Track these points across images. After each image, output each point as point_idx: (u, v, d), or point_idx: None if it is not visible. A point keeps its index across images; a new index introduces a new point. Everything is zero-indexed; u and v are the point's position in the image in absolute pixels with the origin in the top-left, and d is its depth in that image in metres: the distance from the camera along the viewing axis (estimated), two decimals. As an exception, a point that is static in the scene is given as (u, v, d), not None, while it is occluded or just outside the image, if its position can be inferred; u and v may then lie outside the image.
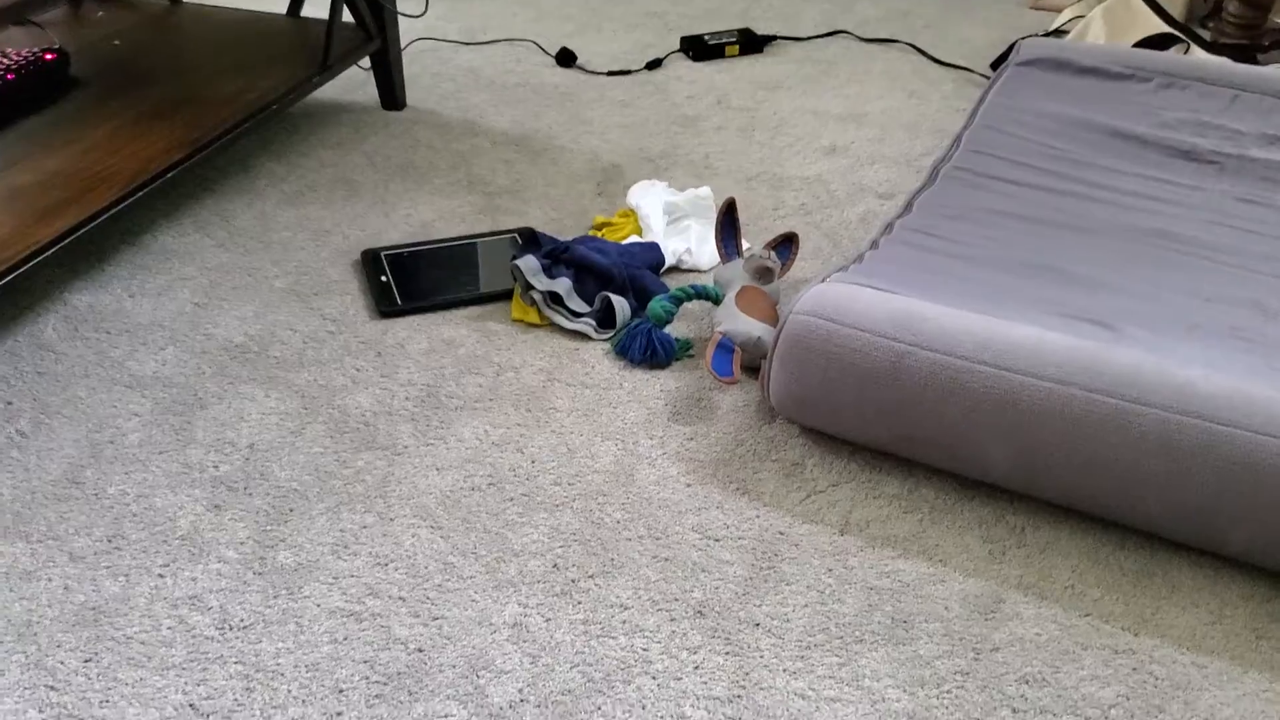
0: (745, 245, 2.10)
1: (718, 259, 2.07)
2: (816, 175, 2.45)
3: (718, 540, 1.55)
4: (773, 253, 1.97)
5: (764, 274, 1.92)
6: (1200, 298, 1.73)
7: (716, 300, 1.93)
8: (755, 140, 2.63)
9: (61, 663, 1.37)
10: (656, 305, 1.90)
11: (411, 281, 2.05)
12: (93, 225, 1.98)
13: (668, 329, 1.92)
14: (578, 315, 1.95)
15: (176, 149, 2.16)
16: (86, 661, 1.37)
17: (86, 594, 1.46)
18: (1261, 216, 1.96)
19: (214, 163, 2.44)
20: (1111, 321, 1.64)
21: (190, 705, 1.31)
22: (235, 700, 1.32)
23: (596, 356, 1.90)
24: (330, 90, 2.85)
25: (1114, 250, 1.86)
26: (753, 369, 1.82)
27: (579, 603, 1.46)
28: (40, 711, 1.31)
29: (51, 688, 1.34)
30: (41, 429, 1.70)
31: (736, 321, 1.83)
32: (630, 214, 2.22)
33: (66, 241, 1.90)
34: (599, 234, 2.19)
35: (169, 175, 2.11)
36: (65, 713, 1.31)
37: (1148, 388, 1.46)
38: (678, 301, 1.92)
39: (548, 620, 1.43)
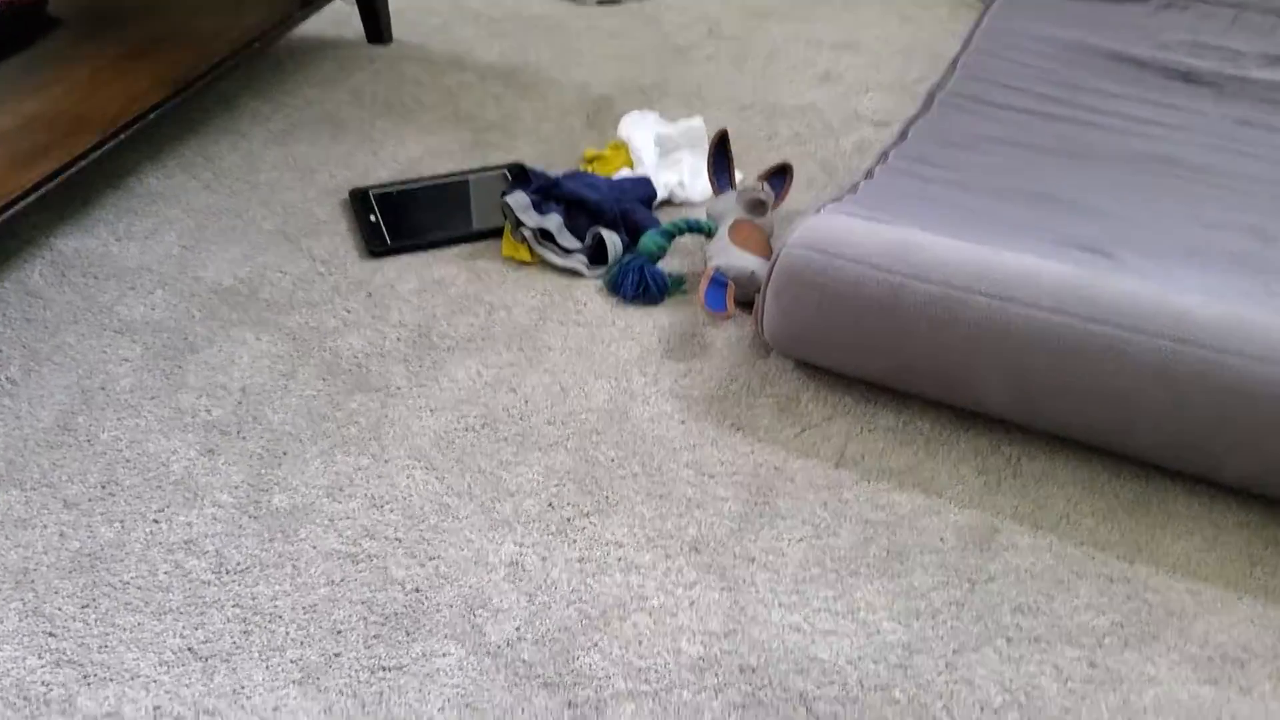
0: (738, 177, 2.07)
1: (710, 192, 2.04)
2: (810, 104, 2.41)
3: (712, 476, 1.54)
4: (766, 184, 1.95)
5: (757, 206, 1.90)
6: (1199, 223, 1.71)
7: (709, 234, 1.91)
8: (748, 69, 2.58)
9: (59, 609, 1.38)
10: (648, 240, 1.88)
11: (401, 220, 2.03)
12: (76, 169, 1.95)
13: (660, 264, 1.90)
14: (569, 252, 1.93)
15: (159, 89, 2.12)
16: (84, 607, 1.38)
17: (82, 540, 1.46)
18: (1261, 140, 1.93)
19: (198, 103, 2.40)
20: (1109, 249, 1.63)
21: (189, 649, 1.32)
22: (233, 643, 1.33)
23: (589, 294, 1.89)
24: (314, 25, 2.80)
25: (1112, 176, 1.83)
26: (746, 303, 1.81)
27: (574, 541, 1.46)
28: (39, 658, 1.32)
29: (50, 634, 1.34)
30: (31, 376, 1.69)
31: (730, 255, 1.81)
32: (621, 146, 2.19)
33: (49, 186, 1.88)
34: (589, 168, 2.16)
35: (152, 116, 2.08)
36: (64, 658, 1.32)
37: (1144, 316, 1.44)
38: (670, 236, 1.90)
39: (544, 559, 1.44)
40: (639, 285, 1.85)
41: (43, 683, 1.29)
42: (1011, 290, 1.49)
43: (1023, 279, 1.50)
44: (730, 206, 1.91)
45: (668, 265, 1.93)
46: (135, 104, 2.09)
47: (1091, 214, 1.73)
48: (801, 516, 1.49)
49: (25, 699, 1.27)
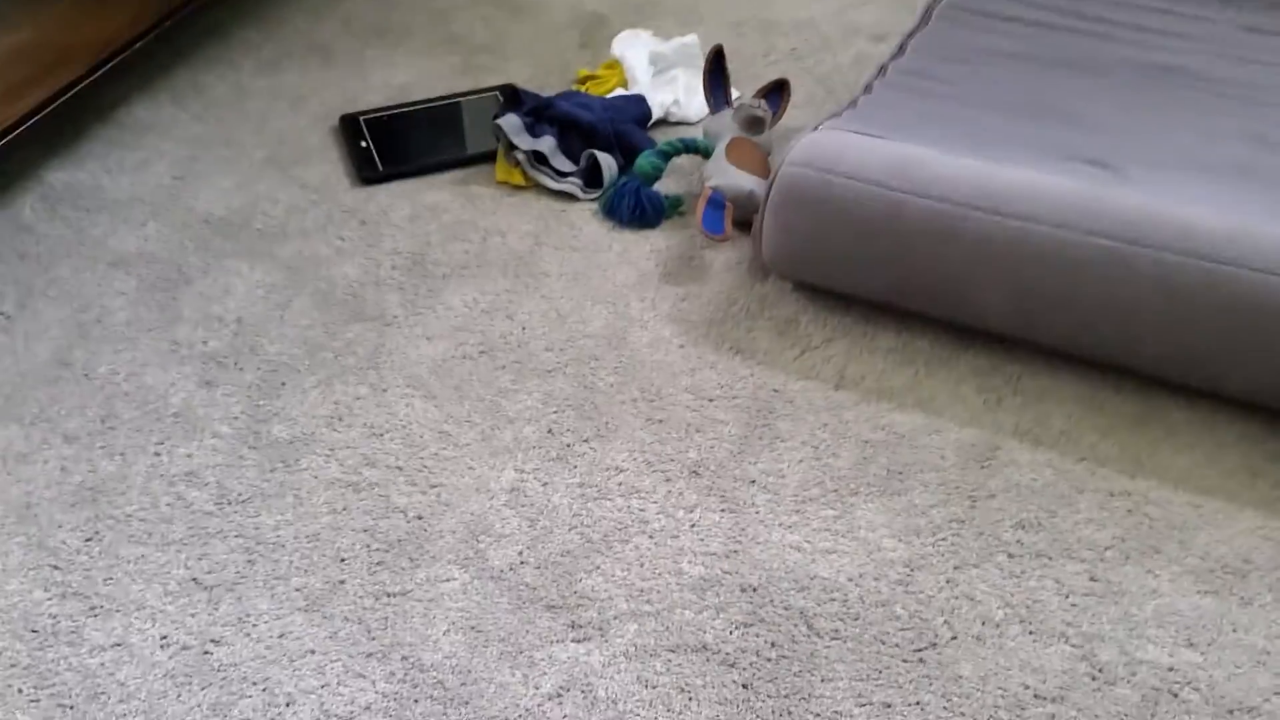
0: (734, 95, 2.04)
1: (706, 110, 2.01)
2: (807, 18, 2.37)
3: (712, 400, 1.54)
4: (763, 101, 1.91)
5: (754, 124, 1.87)
6: (1204, 134, 1.68)
7: (706, 153, 1.89)
8: (744, -15, 2.53)
9: (63, 543, 1.38)
10: (644, 161, 1.85)
11: (392, 146, 2.00)
12: (63, 101, 1.92)
13: (656, 186, 1.88)
14: (563, 175, 1.90)
15: (145, 18, 2.08)
16: (88, 540, 1.38)
17: (83, 474, 1.46)
18: (1269, 46, 1.89)
19: (186, 32, 2.36)
20: (1112, 161, 1.60)
21: (193, 579, 1.33)
22: (237, 573, 1.33)
23: (584, 218, 1.86)
24: (301, -52, 2.74)
25: (1115, 88, 1.80)
26: (745, 224, 1.79)
27: (575, 467, 1.46)
28: (46, 591, 1.32)
29: (55, 567, 1.35)
30: (26, 311, 1.68)
31: (727, 175, 1.79)
32: (615, 66, 2.15)
33: (36, 119, 1.85)
34: (583, 88, 2.12)
35: (139, 46, 2.04)
36: (70, 591, 1.33)
37: (1147, 228, 1.42)
38: (666, 157, 1.88)
39: (544, 484, 1.44)
40: (635, 208, 1.82)
41: (50, 615, 1.30)
42: (1012, 205, 1.47)
43: (1024, 194, 1.48)
44: (727, 125, 1.88)
45: (664, 187, 1.91)
46: (121, 33, 2.05)
47: (1094, 126, 1.70)
48: (801, 438, 1.48)
49: (33, 631, 1.28)
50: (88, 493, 1.44)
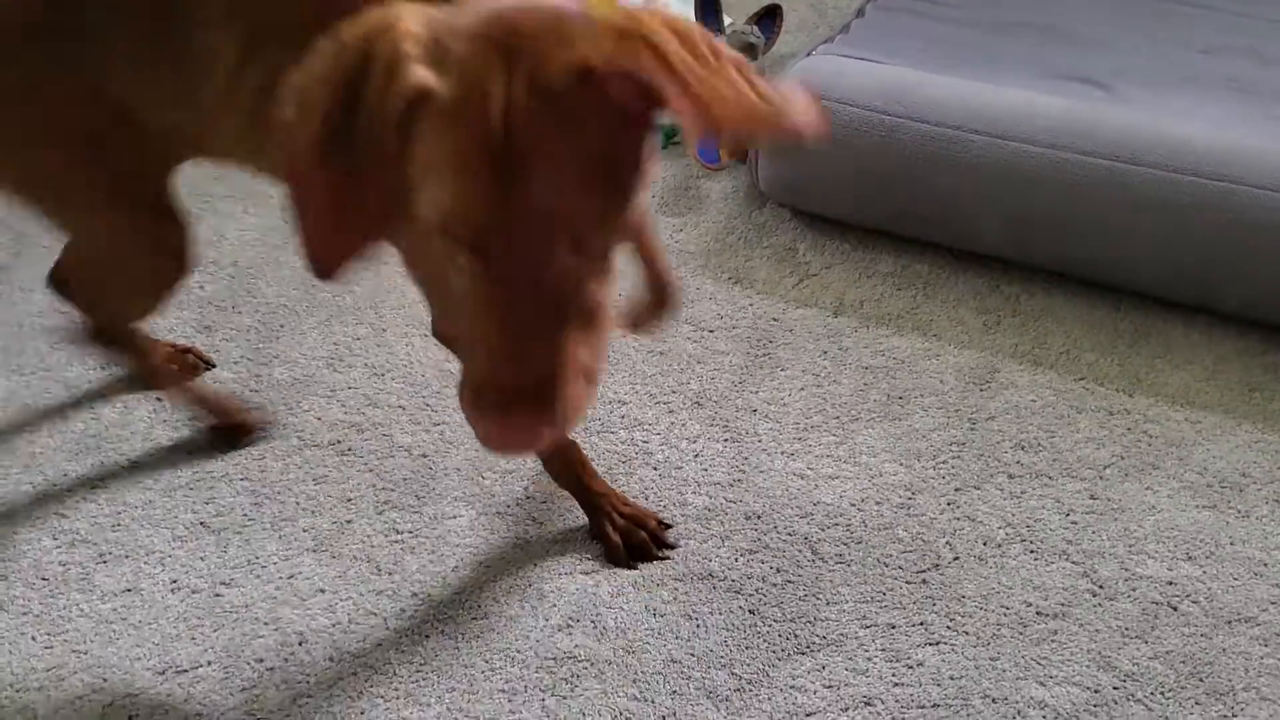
0: (726, 21, 2.01)
1: (698, 39, 1.99)
2: (797, -58, 2.33)
3: (712, 331, 1.54)
4: (755, 27, 1.89)
5: (747, 50, 1.85)
6: (1196, 49, 1.67)
7: None
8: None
9: (69, 490, 1.39)
10: None
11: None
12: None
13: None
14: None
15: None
16: (94, 488, 1.39)
17: (86, 422, 1.46)
18: (1264, -42, 1.87)
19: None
20: (1105, 80, 1.59)
21: (201, 523, 1.34)
22: (245, 515, 1.34)
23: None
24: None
25: (1107, 6, 1.78)
26: (740, 153, 1.78)
27: (577, 400, 1.46)
28: (54, 539, 1.33)
29: (62, 515, 1.36)
30: (21, 260, 1.67)
31: None
32: (604, -3, 2.12)
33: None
34: (573, 20, 2.09)
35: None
36: (79, 538, 1.33)
37: (1142, 147, 1.42)
38: None
39: (547, 419, 1.44)
40: None
41: (60, 562, 1.31)
42: (1008, 127, 1.47)
43: (1019, 115, 1.47)
44: None
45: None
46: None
47: (1087, 45, 1.69)
48: (801, 366, 1.49)
49: (44, 579, 1.29)
50: (91, 440, 1.44)
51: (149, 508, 1.36)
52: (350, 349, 1.53)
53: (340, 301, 1.60)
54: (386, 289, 1.62)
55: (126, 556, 1.31)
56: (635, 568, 1.27)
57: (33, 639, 1.24)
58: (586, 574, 1.27)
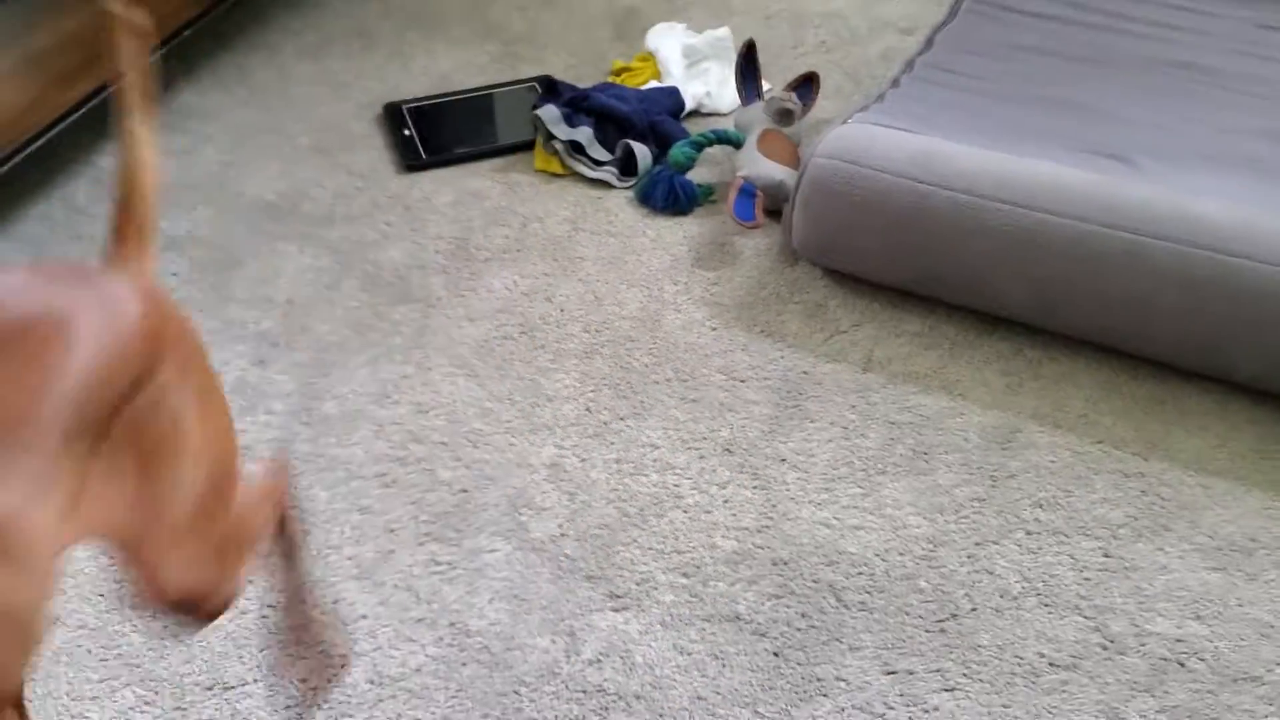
0: (765, 87, 2.09)
1: (738, 102, 2.07)
2: (836, 10, 2.42)
3: (743, 381, 1.61)
4: (793, 94, 1.97)
5: (785, 116, 1.93)
6: (1218, 128, 1.74)
7: (737, 144, 1.95)
8: (773, -24, 2.58)
9: (128, 511, 1.46)
10: (677, 151, 1.92)
11: (434, 134, 2.07)
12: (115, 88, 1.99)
13: (689, 175, 1.94)
14: (599, 164, 1.97)
15: (192, 4, 2.15)
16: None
17: (145, 447, 1.54)
18: (1285, 42, 1.94)
19: (231, 18, 2.43)
20: (1129, 155, 1.65)
21: (252, 547, 1.40)
22: (294, 542, 1.41)
23: (620, 204, 1.93)
24: (339, -63, 2.80)
25: (1134, 83, 1.85)
26: (775, 213, 1.85)
27: (611, 444, 1.53)
28: (110, 557, 1.40)
29: (121, 534, 1.43)
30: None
31: (758, 165, 1.85)
32: (649, 58, 2.21)
33: (88, 106, 1.92)
34: (617, 80, 2.18)
35: (186, 33, 2.11)
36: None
37: (1162, 221, 1.48)
38: (699, 147, 1.94)
39: (583, 460, 1.51)
40: (669, 195, 1.89)
41: (115, 580, 1.38)
42: (1034, 198, 1.53)
43: (1045, 186, 1.54)
44: (758, 117, 1.94)
45: (696, 175, 1.97)
46: (170, 20, 2.12)
47: (1112, 120, 1.76)
48: (830, 419, 1.55)
49: (100, 595, 1.36)
50: (149, 464, 1.52)
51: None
52: (397, 386, 1.60)
53: (390, 341, 1.67)
54: (433, 330, 1.69)
55: (180, 576, 1.38)
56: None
57: (89, 651, 1.31)
58: (617, 611, 1.33)
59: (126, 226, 0.93)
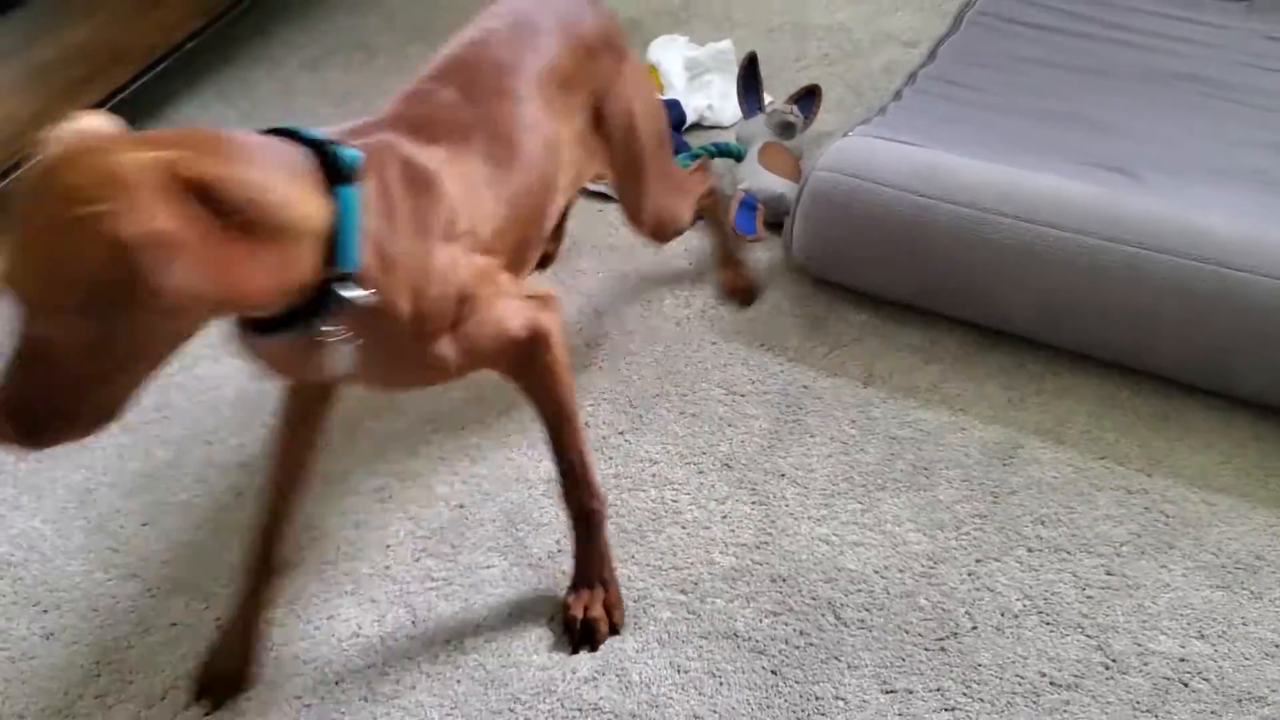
0: (767, 100, 2.09)
1: (739, 115, 2.06)
2: (839, 23, 2.41)
3: (743, 395, 1.59)
4: (795, 107, 1.96)
5: (786, 129, 1.92)
6: (1224, 141, 1.72)
7: (738, 157, 1.94)
8: (776, -12, 2.57)
9: (121, 526, 1.45)
10: (679, 163, 1.91)
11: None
12: (117, 101, 1.99)
13: (690, 187, 1.93)
14: (600, 177, 1.95)
15: (195, 17, 2.16)
16: (144, 525, 1.45)
17: (140, 462, 1.53)
18: (1291, 54, 1.92)
19: (231, 32, 2.43)
20: (1133, 168, 1.64)
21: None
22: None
23: (620, 218, 1.91)
24: (343, -50, 2.80)
25: (1138, 95, 1.84)
26: (776, 225, 1.84)
27: (610, 458, 1.51)
28: (106, 572, 1.40)
29: (114, 550, 1.42)
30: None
31: (759, 178, 1.84)
32: (651, 71, 2.20)
33: (93, 118, 1.92)
34: (619, 92, 2.17)
35: (188, 46, 2.11)
36: (128, 573, 1.40)
37: (1165, 234, 1.47)
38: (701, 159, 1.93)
39: (581, 475, 1.49)
40: None
41: (110, 595, 1.37)
42: (1037, 211, 1.52)
43: (1047, 200, 1.52)
44: (759, 130, 1.93)
45: (697, 188, 1.96)
46: (172, 33, 2.13)
47: (1116, 133, 1.74)
48: (830, 433, 1.53)
49: (94, 610, 1.35)
50: (144, 480, 1.51)
51: (198, 547, 1.42)
52: (397, 401, 1.59)
53: (387, 354, 1.66)
54: (431, 344, 1.68)
55: (175, 592, 1.37)
56: (577, 650, 1.30)
57: (81, 667, 1.30)
58: (612, 629, 1.31)
59: None
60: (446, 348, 1.11)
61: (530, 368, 1.23)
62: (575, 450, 1.29)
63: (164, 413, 1.59)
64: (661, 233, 1.57)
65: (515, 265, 1.22)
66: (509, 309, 1.17)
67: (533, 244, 1.26)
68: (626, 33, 2.07)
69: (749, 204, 1.82)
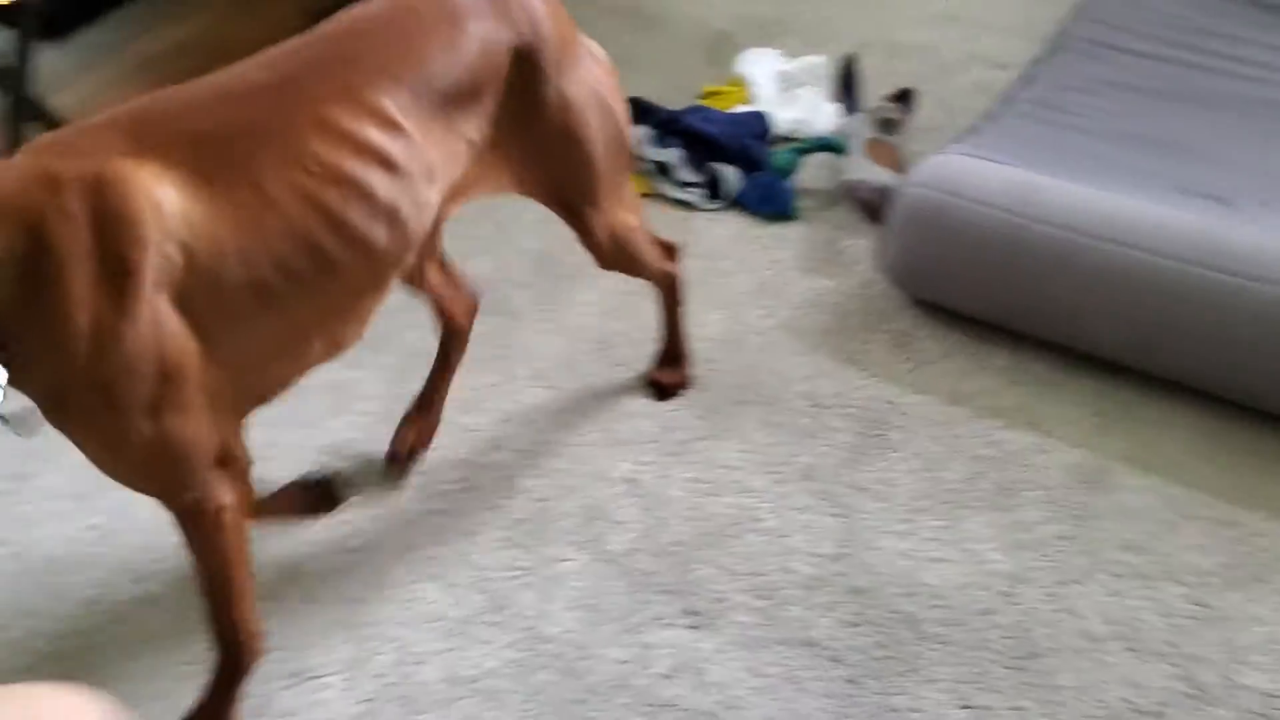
0: (867, 101, 2.11)
1: (831, 129, 2.06)
2: (928, 43, 2.41)
3: (826, 408, 1.59)
4: (894, 104, 1.99)
5: (888, 125, 1.95)
6: (1325, 173, 1.70)
7: (839, 150, 1.95)
8: (867, 7, 2.58)
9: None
10: (781, 156, 1.94)
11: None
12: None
13: (789, 181, 1.96)
14: (687, 185, 1.97)
15: (300, 15, 2.20)
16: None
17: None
18: (1397, 91, 1.89)
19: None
20: (1230, 197, 1.62)
21: (335, 541, 1.42)
22: (374, 540, 1.42)
23: (705, 226, 1.93)
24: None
25: (1234, 123, 1.81)
26: (874, 216, 1.83)
27: (690, 463, 1.52)
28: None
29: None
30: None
31: (866, 170, 1.87)
32: (739, 82, 2.22)
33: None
34: (706, 103, 2.19)
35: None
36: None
37: (1265, 264, 1.45)
38: (801, 152, 1.96)
39: (660, 478, 1.50)
40: (767, 197, 1.91)
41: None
42: (1133, 237, 1.51)
43: (1144, 226, 1.51)
44: (861, 127, 1.96)
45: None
46: (277, 31, 2.17)
47: (1213, 161, 1.72)
48: (913, 450, 1.53)
49: (187, 580, 1.39)
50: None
51: (292, 527, 1.45)
52: (482, 395, 1.62)
53: (476, 351, 1.68)
54: (517, 342, 1.70)
55: (266, 563, 1.40)
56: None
57: (174, 633, 1.33)
58: (691, 629, 1.32)
59: None
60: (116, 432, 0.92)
61: (193, 527, 1.07)
62: (227, 617, 1.13)
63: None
64: (623, 258, 1.41)
65: (273, 367, 1.02)
66: (203, 441, 0.97)
67: (349, 306, 1.05)
68: (716, 46, 2.08)
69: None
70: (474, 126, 1.12)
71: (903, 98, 2.04)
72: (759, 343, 1.70)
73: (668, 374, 1.62)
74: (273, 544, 1.42)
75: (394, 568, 1.39)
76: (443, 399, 1.54)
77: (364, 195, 0.98)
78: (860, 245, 1.86)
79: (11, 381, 0.87)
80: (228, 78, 0.97)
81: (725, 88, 2.22)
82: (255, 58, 1.00)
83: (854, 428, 1.56)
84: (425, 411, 1.53)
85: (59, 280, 0.85)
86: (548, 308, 1.78)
